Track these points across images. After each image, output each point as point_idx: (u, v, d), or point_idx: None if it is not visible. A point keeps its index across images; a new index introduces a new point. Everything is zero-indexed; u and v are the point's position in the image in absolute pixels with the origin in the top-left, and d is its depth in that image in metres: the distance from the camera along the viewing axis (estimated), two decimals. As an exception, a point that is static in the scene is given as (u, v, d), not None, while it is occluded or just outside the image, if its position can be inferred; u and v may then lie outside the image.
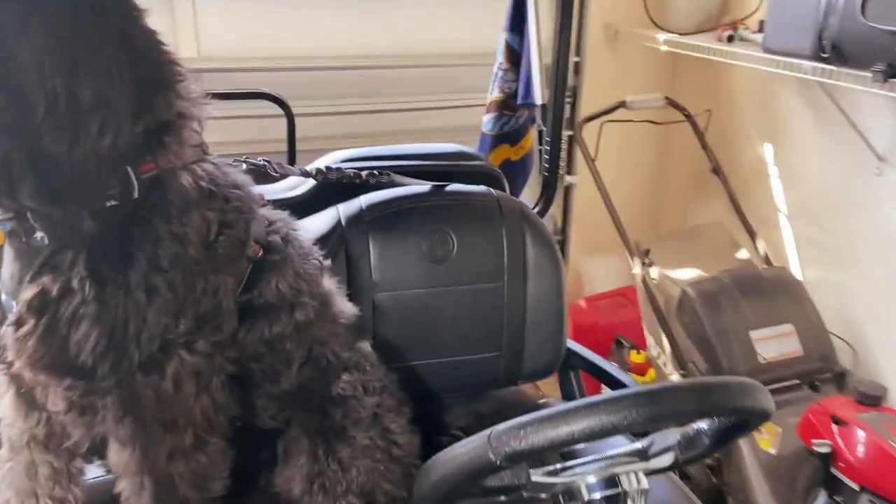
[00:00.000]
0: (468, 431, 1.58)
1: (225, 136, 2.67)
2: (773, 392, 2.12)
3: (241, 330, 1.01)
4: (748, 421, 0.75)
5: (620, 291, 3.36)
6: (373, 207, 1.48)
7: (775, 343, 2.40)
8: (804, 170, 2.81)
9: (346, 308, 1.23)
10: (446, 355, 1.53)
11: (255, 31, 2.61)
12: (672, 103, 2.94)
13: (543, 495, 0.81)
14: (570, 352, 1.67)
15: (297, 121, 2.42)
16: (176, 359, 0.92)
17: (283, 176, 1.36)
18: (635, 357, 3.03)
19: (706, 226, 3.03)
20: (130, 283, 0.87)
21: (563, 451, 1.16)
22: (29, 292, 0.87)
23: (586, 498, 0.76)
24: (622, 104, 2.85)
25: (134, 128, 0.83)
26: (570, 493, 0.78)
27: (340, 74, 2.73)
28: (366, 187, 1.50)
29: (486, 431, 0.71)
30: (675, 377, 2.62)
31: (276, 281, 1.05)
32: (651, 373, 2.94)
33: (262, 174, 1.41)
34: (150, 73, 0.88)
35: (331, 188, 1.53)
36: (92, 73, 0.79)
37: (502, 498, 0.82)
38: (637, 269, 2.79)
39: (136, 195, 0.87)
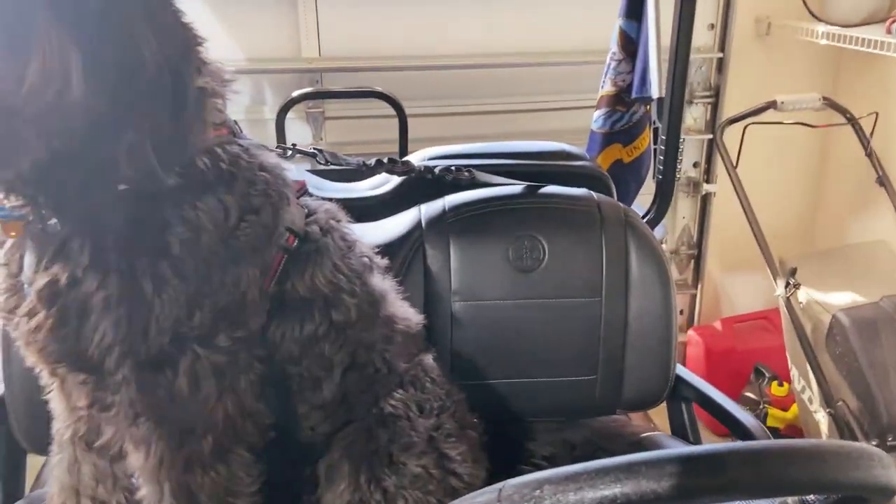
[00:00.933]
0: (555, 461, 1.42)
1: (342, 136, 2.70)
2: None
3: (270, 326, 0.93)
4: (864, 500, 0.55)
5: (763, 314, 3.02)
6: (456, 208, 1.36)
7: (949, 386, 2.01)
8: None
9: (406, 313, 1.12)
10: (532, 375, 1.37)
11: (372, 31, 2.59)
12: (831, 104, 2.58)
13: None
14: (681, 381, 1.45)
15: (411, 121, 2.36)
16: (190, 354, 0.85)
17: (362, 171, 1.27)
18: (777, 390, 2.70)
19: (866, 244, 2.64)
20: (137, 272, 0.81)
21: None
22: (40, 281, 0.83)
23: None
24: (772, 105, 2.54)
25: None
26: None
27: (454, 74, 2.65)
28: (452, 187, 1.38)
29: (500, 484, 0.56)
30: (820, 416, 2.28)
31: (310, 273, 0.96)
32: (794, 409, 2.60)
33: (354, 171, 1.34)
34: (186, 35, 0.83)
35: (417, 188, 1.42)
36: (175, 43, 0.78)
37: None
38: (781, 291, 2.46)
39: (123, 182, 0.80)
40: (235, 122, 0.93)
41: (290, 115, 2.31)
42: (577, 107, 2.54)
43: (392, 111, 2.35)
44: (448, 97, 2.65)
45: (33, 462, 1.37)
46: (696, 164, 2.93)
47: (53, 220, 0.81)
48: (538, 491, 0.52)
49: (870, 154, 2.56)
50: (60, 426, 1.03)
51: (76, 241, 0.82)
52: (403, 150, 2.39)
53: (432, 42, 2.60)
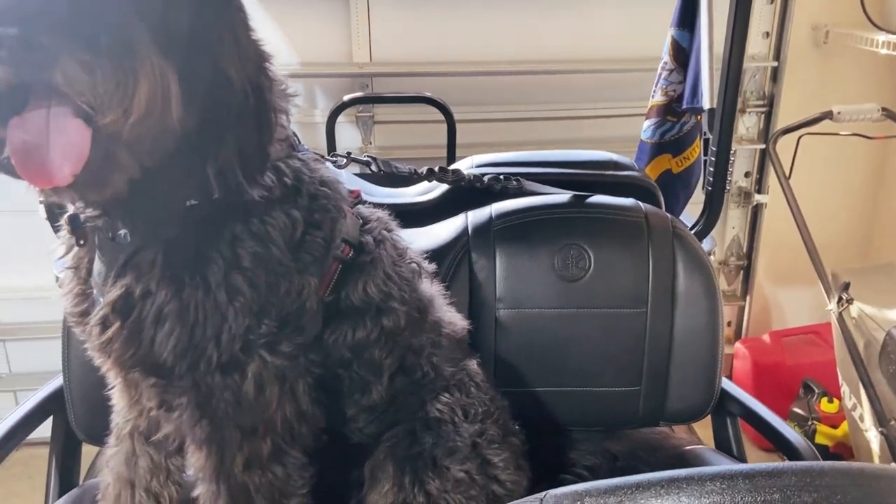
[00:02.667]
0: (596, 472, 1.41)
1: (390, 141, 2.73)
2: None
3: (324, 333, 0.95)
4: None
5: (813, 328, 2.95)
6: (502, 216, 1.37)
7: None
8: None
9: (453, 319, 1.13)
10: (575, 384, 1.37)
11: (423, 37, 2.62)
12: (890, 115, 2.50)
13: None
14: (726, 395, 1.43)
15: (460, 127, 2.38)
16: (258, 360, 0.88)
17: (395, 177, 1.29)
18: (826, 406, 2.64)
19: (925, 259, 2.55)
20: (210, 283, 0.84)
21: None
22: (113, 293, 0.87)
23: None
24: (828, 115, 2.47)
25: None
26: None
27: (502, 80, 2.66)
28: (499, 194, 1.40)
29: (541, 494, 0.57)
30: (871, 434, 2.21)
31: (364, 283, 0.98)
32: (844, 426, 2.53)
33: (398, 177, 1.36)
34: (259, 54, 0.86)
35: (465, 194, 1.44)
36: (255, 65, 0.82)
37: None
38: (832, 306, 2.40)
39: (216, 195, 0.83)
40: (294, 133, 0.95)
41: (340, 118, 2.35)
42: (624, 115, 2.53)
43: (440, 116, 2.37)
44: (496, 103, 2.66)
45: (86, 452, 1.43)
46: (747, 174, 2.88)
47: (123, 231, 0.85)
48: (579, 502, 0.53)
49: (930, 167, 2.48)
50: (120, 420, 1.07)
51: (147, 253, 0.85)
52: (451, 155, 2.41)
53: (482, 48, 2.61)
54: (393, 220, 1.08)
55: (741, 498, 0.47)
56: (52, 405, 1.35)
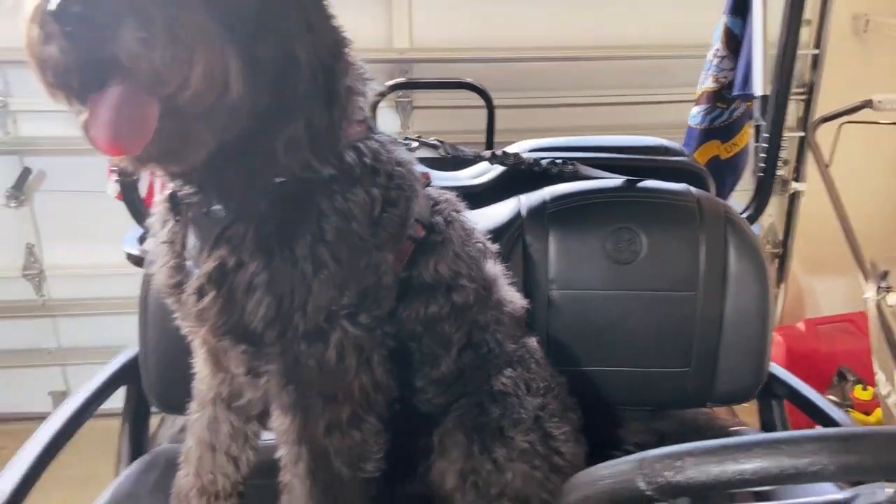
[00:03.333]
0: (643, 449, 1.45)
1: (430, 125, 2.76)
2: None
3: (399, 307, 1.00)
4: None
5: (848, 317, 2.96)
6: (556, 199, 1.41)
7: None
8: None
9: (513, 297, 1.18)
10: (625, 364, 1.41)
11: (463, 23, 2.64)
12: (933, 103, 2.50)
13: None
14: (773, 377, 1.46)
15: (498, 112, 2.41)
16: (339, 330, 0.93)
17: (460, 160, 1.33)
18: (860, 393, 2.65)
19: (967, 249, 2.55)
20: (297, 256, 0.89)
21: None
22: (209, 264, 0.92)
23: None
24: (868, 103, 2.47)
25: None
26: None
27: (543, 66, 2.68)
28: (551, 178, 1.43)
29: (640, 454, 0.61)
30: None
31: (435, 262, 1.03)
32: (878, 413, 2.55)
33: (447, 160, 1.40)
34: (336, 37, 0.89)
35: (517, 178, 1.47)
36: (326, 45, 0.85)
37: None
38: (870, 294, 2.41)
39: (293, 172, 0.88)
40: (371, 117, 1.00)
41: (379, 103, 2.39)
42: (664, 101, 2.54)
43: (478, 101, 2.40)
44: (534, 89, 2.68)
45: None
46: (785, 162, 2.88)
47: (218, 206, 0.90)
48: (679, 462, 0.57)
49: (973, 156, 2.47)
50: (203, 387, 1.13)
51: (239, 226, 0.90)
52: (490, 140, 2.44)
53: (521, 34, 2.63)
54: (461, 201, 1.12)
55: (837, 458, 0.51)
56: (124, 376, 1.42)
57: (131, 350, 1.46)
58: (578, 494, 0.64)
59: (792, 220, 3.00)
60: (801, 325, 2.89)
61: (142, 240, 1.62)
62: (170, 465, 1.34)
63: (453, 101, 2.65)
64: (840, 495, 0.72)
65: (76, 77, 0.73)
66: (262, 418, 1.12)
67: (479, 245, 1.11)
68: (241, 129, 0.82)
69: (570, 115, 2.67)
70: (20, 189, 2.75)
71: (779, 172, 2.85)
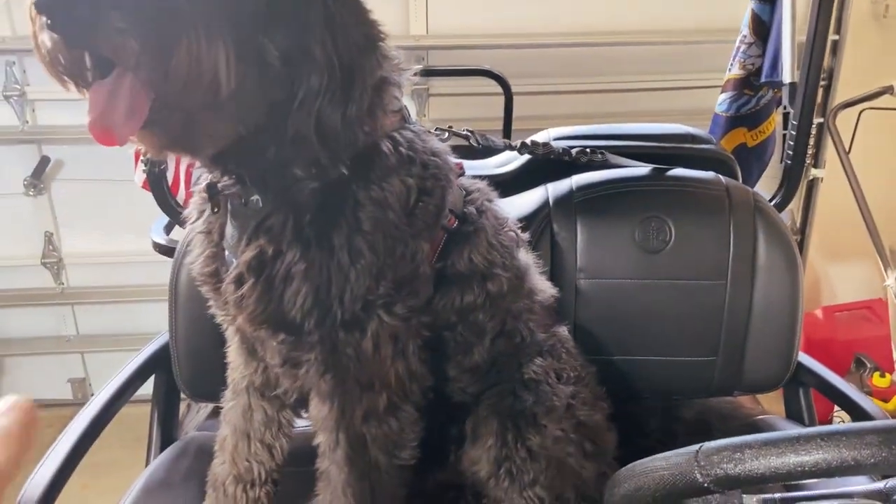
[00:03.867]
0: (670, 439, 1.46)
1: (447, 113, 2.75)
2: None
3: (434, 297, 1.00)
4: None
5: (866, 304, 2.95)
6: (583, 188, 1.40)
7: None
8: None
9: (544, 286, 1.17)
10: (653, 353, 1.41)
11: (480, 9, 2.62)
12: (955, 89, 2.48)
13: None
14: (800, 366, 1.46)
15: (517, 99, 2.40)
16: (376, 319, 0.93)
17: (489, 149, 1.33)
18: (878, 381, 2.65)
19: None
20: (334, 245, 0.89)
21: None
22: (248, 253, 0.92)
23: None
24: (888, 89, 2.46)
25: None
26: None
27: (560, 52, 2.66)
28: (578, 167, 1.43)
29: (695, 446, 0.61)
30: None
31: (468, 252, 1.03)
32: (895, 400, 2.55)
33: (472, 149, 1.39)
34: (368, 33, 0.88)
35: (542, 167, 1.47)
36: (350, 42, 0.83)
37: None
38: (890, 281, 2.41)
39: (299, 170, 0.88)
40: (405, 106, 0.99)
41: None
42: (693, 87, 2.52)
43: (495, 88, 2.39)
44: (553, 75, 2.67)
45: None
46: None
47: (255, 197, 0.90)
48: (738, 454, 0.57)
49: None
50: (237, 376, 1.14)
51: (277, 217, 0.90)
52: (508, 127, 2.43)
53: (539, 19, 2.62)
54: (493, 191, 1.12)
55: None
56: (154, 364, 1.42)
57: (161, 338, 1.47)
58: (632, 485, 0.64)
59: (810, 206, 2.98)
60: (818, 313, 2.88)
61: (168, 229, 1.62)
62: (200, 453, 1.36)
63: (470, 88, 2.64)
64: (881, 484, 0.72)
65: (81, 65, 0.74)
66: (296, 406, 1.13)
67: (512, 234, 1.11)
68: (257, 121, 0.82)
69: (589, 102, 2.66)
70: (38, 178, 2.76)
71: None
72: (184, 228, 1.49)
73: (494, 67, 2.39)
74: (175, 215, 1.58)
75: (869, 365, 2.70)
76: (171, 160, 1.50)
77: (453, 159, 1.05)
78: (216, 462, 1.16)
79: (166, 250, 1.58)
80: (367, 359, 0.94)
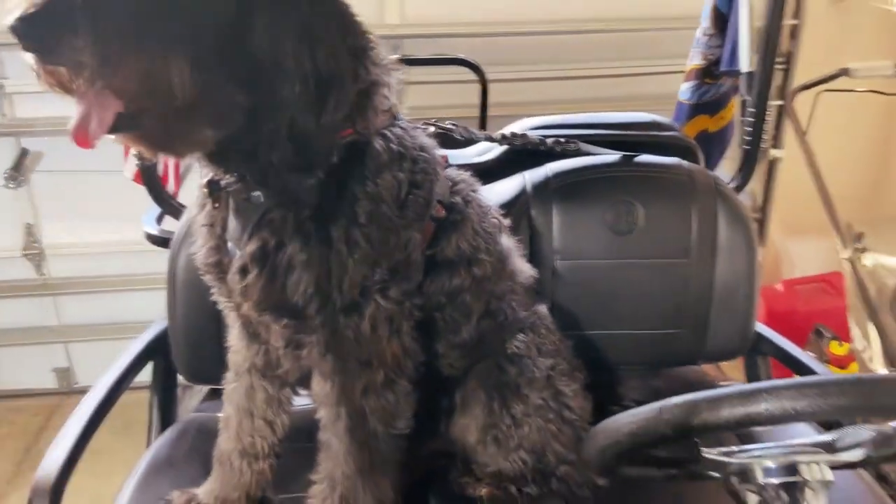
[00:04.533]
0: (641, 405, 1.57)
1: (423, 101, 2.82)
2: None
3: (425, 281, 1.09)
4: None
5: (823, 277, 3.09)
6: (558, 175, 1.50)
7: None
8: None
9: (524, 268, 1.27)
10: (624, 328, 1.52)
11: (453, -1, 2.69)
12: (905, 71, 2.61)
13: (715, 473, 0.80)
14: (759, 337, 1.58)
15: (491, 87, 2.47)
16: (373, 303, 1.01)
17: (470, 140, 1.41)
18: (836, 349, 2.80)
19: (936, 211, 2.69)
20: (333, 237, 0.97)
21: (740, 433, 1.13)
22: (252, 245, 0.99)
23: (761, 482, 0.74)
24: (844, 72, 2.57)
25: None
26: (745, 474, 0.76)
27: (535, 40, 2.74)
28: (553, 155, 1.52)
29: (658, 403, 0.71)
30: (881, 372, 2.38)
31: (456, 239, 1.11)
32: (854, 367, 2.70)
33: (451, 139, 1.47)
34: (353, 44, 0.95)
35: (519, 155, 1.56)
36: (328, 53, 0.88)
37: (673, 471, 0.82)
38: (847, 254, 2.55)
39: (335, 159, 0.96)
40: (395, 105, 1.07)
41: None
42: (657, 73, 2.62)
43: (470, 76, 2.45)
44: (526, 63, 2.75)
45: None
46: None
47: (257, 193, 0.97)
48: (696, 407, 0.67)
49: (943, 122, 2.59)
50: (238, 359, 1.21)
51: (278, 211, 0.98)
52: (484, 115, 2.51)
53: (510, 10, 2.69)
54: (476, 181, 1.21)
55: (831, 400, 0.62)
56: (153, 350, 1.49)
57: (157, 326, 1.54)
58: (606, 437, 0.74)
59: (770, 185, 3.11)
60: (779, 286, 3.02)
61: (159, 219, 1.68)
62: (200, 432, 1.44)
63: (445, 76, 2.71)
64: (827, 436, 0.83)
65: (63, 77, 0.80)
66: (297, 385, 1.21)
67: (494, 221, 1.20)
68: (233, 126, 0.88)
69: (560, 88, 2.75)
70: (18, 170, 2.78)
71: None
72: (178, 220, 1.56)
73: (469, 56, 2.46)
74: (168, 207, 1.64)
75: (827, 335, 2.85)
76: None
77: (439, 152, 1.13)
78: (221, 439, 1.24)
79: (159, 240, 1.64)
80: (365, 339, 1.02)
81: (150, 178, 1.60)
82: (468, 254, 1.12)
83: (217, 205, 1.03)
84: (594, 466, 0.81)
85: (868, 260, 2.47)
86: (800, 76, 2.81)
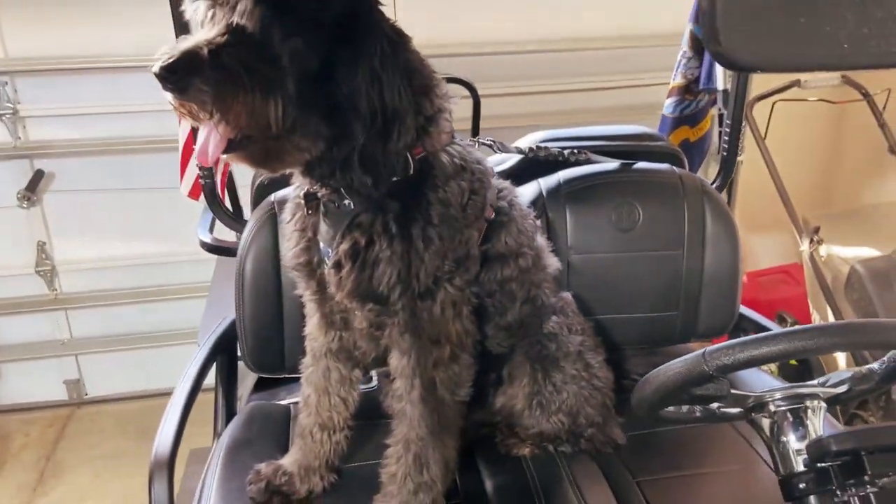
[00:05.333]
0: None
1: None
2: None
3: (481, 272, 1.30)
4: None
5: (783, 268, 3.40)
6: (569, 182, 1.73)
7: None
8: None
9: (552, 262, 1.49)
10: (629, 311, 1.76)
11: (448, 19, 2.92)
12: (849, 82, 2.93)
13: (738, 409, 1.03)
14: (742, 316, 1.84)
15: (483, 101, 2.70)
16: (443, 290, 1.22)
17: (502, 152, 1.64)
18: (798, 333, 3.09)
19: (881, 205, 3.02)
20: (412, 236, 1.18)
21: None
22: (345, 244, 1.20)
23: (773, 409, 0.98)
24: (796, 83, 2.88)
25: (416, 126, 1.14)
26: (760, 406, 1.00)
27: (524, 58, 2.99)
28: (562, 164, 1.75)
29: (700, 350, 0.94)
30: (838, 353, 2.68)
31: (504, 236, 1.32)
32: (814, 349, 2.99)
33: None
34: (421, 83, 1.17)
35: (531, 164, 1.79)
36: (394, 95, 1.08)
37: (706, 410, 1.05)
38: (805, 247, 2.84)
39: (412, 172, 1.17)
40: (453, 126, 1.28)
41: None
42: (635, 85, 2.90)
43: (463, 92, 2.67)
44: (513, 79, 3.00)
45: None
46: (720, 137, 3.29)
47: (347, 201, 1.18)
48: (731, 350, 0.90)
49: (883, 126, 2.92)
50: (316, 345, 1.40)
51: (366, 216, 1.18)
52: (476, 128, 2.74)
53: (501, 30, 2.94)
54: (515, 188, 1.43)
55: (830, 339, 0.85)
56: (217, 349, 1.67)
57: (220, 328, 1.71)
58: (658, 380, 0.97)
59: (733, 186, 3.40)
60: (743, 278, 3.30)
61: (211, 229, 1.86)
62: (264, 417, 1.63)
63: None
64: (821, 378, 1.07)
65: (194, 111, 1.01)
66: (373, 365, 1.41)
67: (531, 222, 1.42)
68: (319, 150, 1.09)
69: (548, 102, 3.00)
70: (32, 190, 2.90)
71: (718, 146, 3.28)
72: (239, 232, 1.74)
73: (461, 73, 2.68)
74: (226, 219, 1.82)
75: (789, 320, 3.14)
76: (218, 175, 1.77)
77: (488, 164, 1.35)
78: (302, 416, 1.43)
79: (211, 248, 1.81)
80: (436, 320, 1.23)
81: (210, 195, 1.78)
82: (515, 249, 1.34)
83: (310, 212, 1.23)
84: (644, 410, 1.04)
85: (824, 251, 2.76)
86: (757, 88, 3.11)
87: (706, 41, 0.96)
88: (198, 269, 3.10)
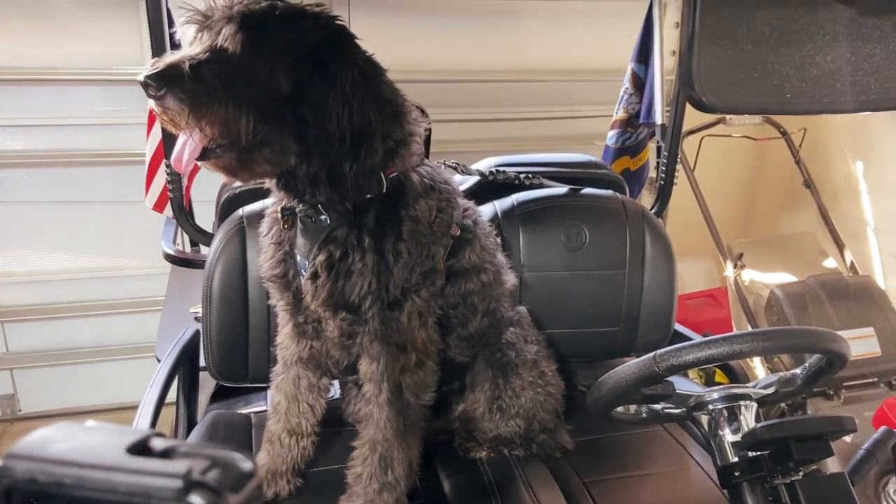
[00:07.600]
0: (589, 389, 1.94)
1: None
2: (852, 388, 2.39)
3: (446, 286, 1.40)
4: (832, 363, 1.08)
5: (708, 293, 3.64)
6: (522, 204, 1.86)
7: (856, 344, 2.63)
8: (894, 186, 3.02)
9: (510, 278, 1.60)
10: (576, 326, 1.88)
11: (401, 48, 3.03)
12: (769, 121, 3.20)
13: (680, 409, 1.16)
14: (676, 333, 1.99)
15: (434, 126, 2.82)
16: (410, 301, 1.31)
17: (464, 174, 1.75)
18: (722, 352, 3.30)
19: (796, 235, 3.28)
20: (384, 249, 1.27)
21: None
22: (321, 256, 1.27)
23: (711, 408, 1.11)
24: (721, 120, 3.12)
25: (384, 148, 1.23)
26: (700, 405, 1.13)
27: (472, 87, 3.14)
28: (516, 187, 1.88)
29: (651, 353, 1.06)
30: (759, 370, 2.89)
31: (469, 252, 1.43)
32: (737, 366, 3.21)
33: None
34: (392, 110, 1.26)
35: (488, 186, 1.91)
36: (363, 119, 1.18)
37: (652, 410, 1.17)
38: (730, 272, 3.06)
39: (384, 190, 1.27)
40: (423, 149, 1.38)
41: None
42: (577, 116, 3.08)
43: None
44: (467, 106, 3.13)
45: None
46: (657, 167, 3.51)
47: (324, 216, 1.26)
48: (677, 352, 1.03)
49: (798, 162, 3.19)
50: (287, 353, 1.46)
51: (341, 230, 1.26)
52: (427, 152, 2.85)
53: (451, 60, 3.07)
54: (477, 207, 1.54)
55: (759, 344, 0.99)
56: (179, 363, 1.71)
57: (181, 341, 1.75)
58: (612, 381, 1.09)
59: (662, 214, 3.62)
60: (674, 300, 3.51)
61: (174, 240, 1.89)
62: (228, 425, 1.67)
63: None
64: (753, 382, 1.21)
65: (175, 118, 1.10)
66: (344, 373, 1.48)
67: (493, 240, 1.53)
68: (286, 164, 1.18)
69: (494, 129, 3.15)
70: (-28, 200, 2.84)
71: (652, 175, 3.51)
72: (208, 246, 1.79)
73: (416, 99, 2.80)
74: (196, 234, 1.86)
75: (714, 340, 3.36)
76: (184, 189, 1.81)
77: (455, 184, 1.45)
78: (271, 422, 1.48)
79: (175, 259, 1.84)
80: (404, 329, 1.32)
81: (179, 209, 1.81)
82: (478, 265, 1.44)
83: (286, 226, 1.31)
84: (598, 409, 1.15)
85: (746, 275, 2.99)
86: (687, 123, 3.34)
87: (682, 86, 1.10)
88: (144, 284, 3.09)
